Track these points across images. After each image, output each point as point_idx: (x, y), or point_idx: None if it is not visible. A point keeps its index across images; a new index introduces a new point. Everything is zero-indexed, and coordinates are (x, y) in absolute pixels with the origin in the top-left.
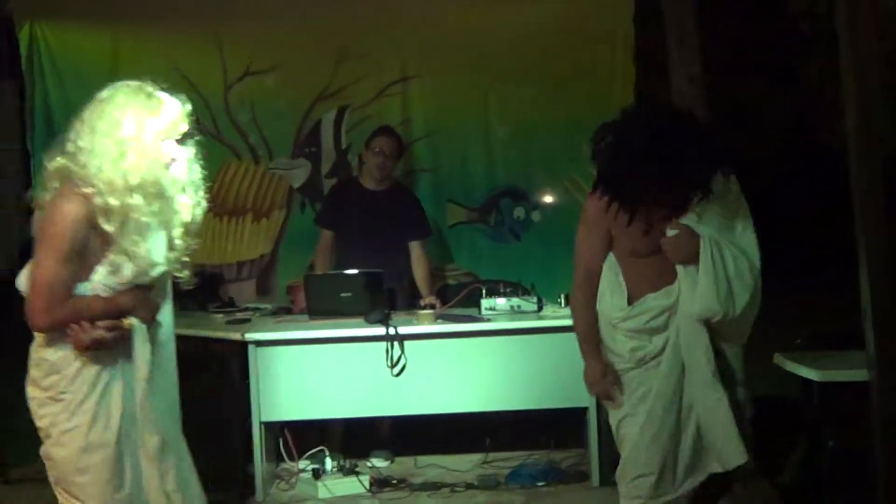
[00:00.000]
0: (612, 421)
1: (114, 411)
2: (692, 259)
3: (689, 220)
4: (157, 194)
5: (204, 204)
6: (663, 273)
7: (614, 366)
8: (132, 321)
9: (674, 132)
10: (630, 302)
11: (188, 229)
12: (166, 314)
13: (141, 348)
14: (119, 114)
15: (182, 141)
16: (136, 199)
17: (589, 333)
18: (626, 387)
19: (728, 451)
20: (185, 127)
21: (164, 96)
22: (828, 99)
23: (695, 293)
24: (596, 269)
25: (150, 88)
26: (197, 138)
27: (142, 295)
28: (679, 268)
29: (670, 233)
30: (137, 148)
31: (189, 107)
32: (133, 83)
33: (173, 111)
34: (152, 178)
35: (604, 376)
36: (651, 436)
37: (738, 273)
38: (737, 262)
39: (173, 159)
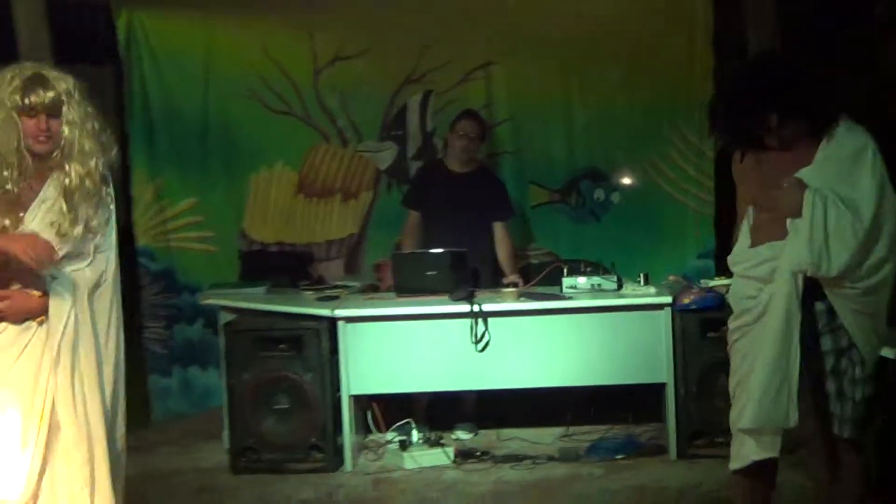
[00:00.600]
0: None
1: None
2: (798, 212)
3: (803, 173)
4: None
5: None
6: (780, 228)
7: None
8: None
9: (748, 76)
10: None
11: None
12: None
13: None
14: None
15: (28, 111)
16: None
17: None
18: (740, 336)
19: (749, 403)
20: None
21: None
22: None
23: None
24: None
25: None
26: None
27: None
28: (788, 222)
29: (785, 186)
30: None
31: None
32: None
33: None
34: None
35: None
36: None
37: (839, 230)
38: (840, 219)
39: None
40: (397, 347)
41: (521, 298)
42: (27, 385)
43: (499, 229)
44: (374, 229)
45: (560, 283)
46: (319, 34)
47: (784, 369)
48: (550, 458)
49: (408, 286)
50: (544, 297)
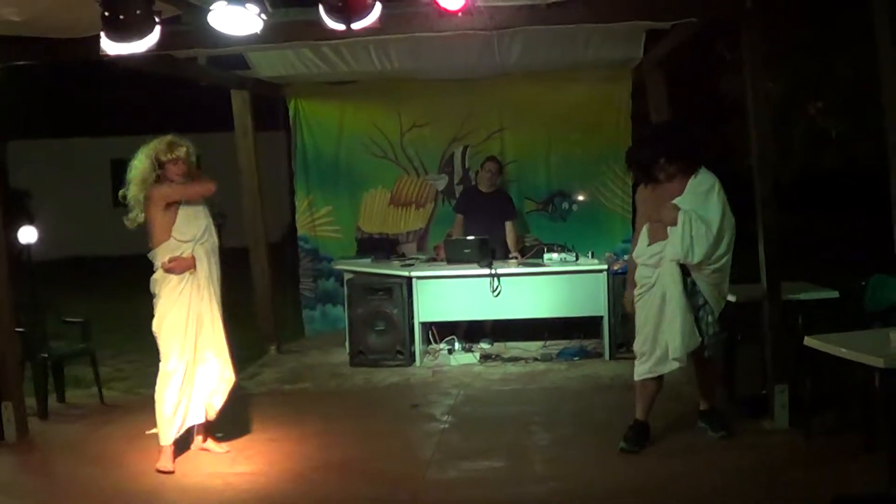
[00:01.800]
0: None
1: (184, 304)
2: (674, 223)
3: (678, 200)
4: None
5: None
6: (664, 233)
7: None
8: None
9: (649, 136)
10: (649, 244)
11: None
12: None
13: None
14: None
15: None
16: None
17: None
18: (640, 298)
19: (673, 344)
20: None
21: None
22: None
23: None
24: (639, 229)
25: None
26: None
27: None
28: (669, 230)
29: (666, 207)
30: None
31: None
32: None
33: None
34: None
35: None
36: (649, 327)
37: (698, 235)
38: (699, 229)
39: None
40: (447, 294)
41: (520, 266)
42: (187, 306)
43: (508, 226)
44: (434, 225)
45: (542, 257)
46: (404, 112)
47: (689, 314)
48: (535, 360)
49: (454, 258)
50: (533, 265)
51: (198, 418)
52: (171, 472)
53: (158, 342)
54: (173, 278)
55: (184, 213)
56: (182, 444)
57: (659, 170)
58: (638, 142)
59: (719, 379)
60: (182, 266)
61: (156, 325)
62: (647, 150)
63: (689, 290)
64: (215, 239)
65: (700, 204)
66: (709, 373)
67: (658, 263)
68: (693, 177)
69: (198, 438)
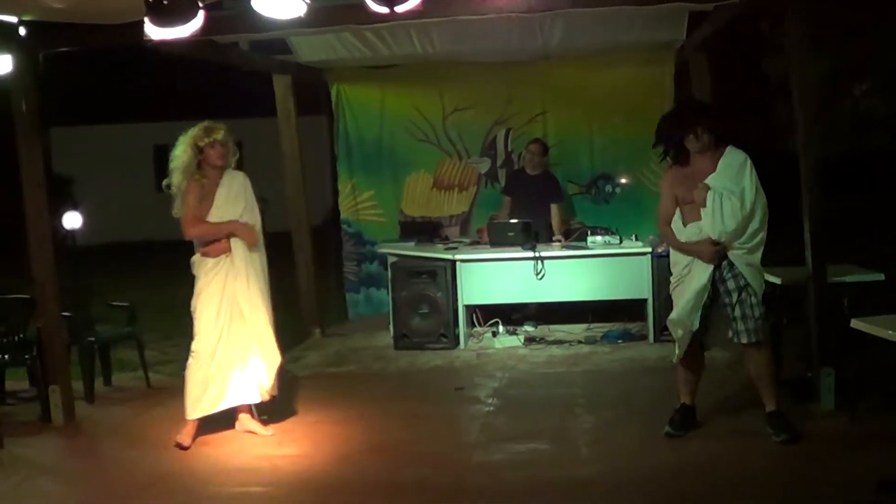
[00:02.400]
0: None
1: (218, 286)
2: (705, 203)
3: (709, 179)
4: None
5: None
6: (696, 213)
7: (672, 269)
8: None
9: (678, 112)
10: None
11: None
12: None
13: (240, 254)
14: None
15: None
16: None
17: (679, 242)
18: (678, 285)
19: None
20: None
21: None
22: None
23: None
24: (669, 215)
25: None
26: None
27: (241, 225)
28: (700, 210)
29: (698, 188)
30: None
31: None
32: None
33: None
34: None
35: (708, 246)
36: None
37: (732, 212)
38: (731, 207)
39: None
40: (491, 276)
41: (563, 248)
42: (221, 288)
43: (554, 208)
44: (477, 208)
45: (586, 240)
46: (447, 95)
47: (698, 300)
48: (579, 342)
49: (498, 241)
50: (577, 248)
51: (239, 400)
52: (186, 448)
53: (194, 321)
54: (209, 261)
55: (222, 196)
56: (227, 425)
57: (695, 139)
58: (672, 113)
59: (776, 370)
60: (217, 250)
61: (193, 304)
62: (686, 118)
63: (729, 272)
64: (257, 222)
65: (732, 180)
66: (762, 365)
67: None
68: (724, 154)
69: (242, 419)
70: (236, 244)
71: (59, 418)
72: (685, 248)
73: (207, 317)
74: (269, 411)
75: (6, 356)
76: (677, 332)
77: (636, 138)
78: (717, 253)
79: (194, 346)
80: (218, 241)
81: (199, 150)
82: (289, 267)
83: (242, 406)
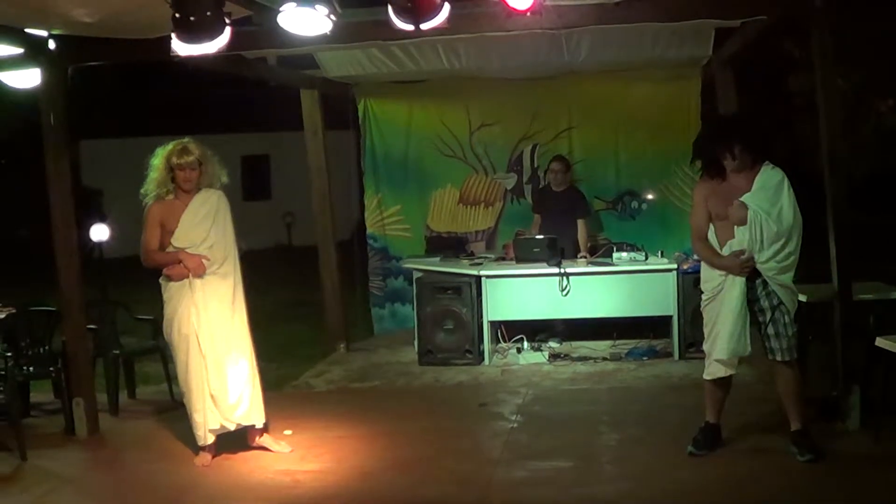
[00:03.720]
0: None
1: (186, 312)
2: (743, 222)
3: (746, 197)
4: None
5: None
6: (731, 232)
7: (703, 286)
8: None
9: (722, 123)
10: (720, 246)
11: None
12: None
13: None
14: None
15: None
16: None
17: (713, 255)
18: (709, 302)
19: (719, 345)
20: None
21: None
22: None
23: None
24: (703, 229)
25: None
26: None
27: (187, 256)
28: (736, 228)
29: (735, 206)
30: None
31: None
32: None
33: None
34: None
35: (735, 259)
36: (709, 328)
37: (768, 234)
38: (768, 227)
39: None
40: (516, 293)
41: (590, 265)
42: (188, 313)
43: (581, 224)
44: (503, 224)
45: (611, 256)
46: (473, 110)
47: (742, 321)
48: (604, 359)
49: (523, 257)
50: (602, 264)
51: (245, 420)
52: (207, 465)
53: (173, 352)
54: (173, 284)
55: (186, 220)
56: (244, 442)
57: (731, 159)
58: (709, 130)
59: (804, 389)
60: (178, 274)
61: (166, 332)
62: (723, 135)
63: (762, 290)
64: (228, 244)
65: (769, 200)
66: (791, 382)
67: None
68: (760, 172)
69: (255, 436)
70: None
71: (84, 431)
72: (716, 264)
73: (181, 343)
74: (294, 426)
75: (31, 368)
76: (730, 366)
77: (662, 154)
78: (744, 264)
79: (182, 384)
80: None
81: (170, 168)
82: (315, 281)
83: (252, 427)
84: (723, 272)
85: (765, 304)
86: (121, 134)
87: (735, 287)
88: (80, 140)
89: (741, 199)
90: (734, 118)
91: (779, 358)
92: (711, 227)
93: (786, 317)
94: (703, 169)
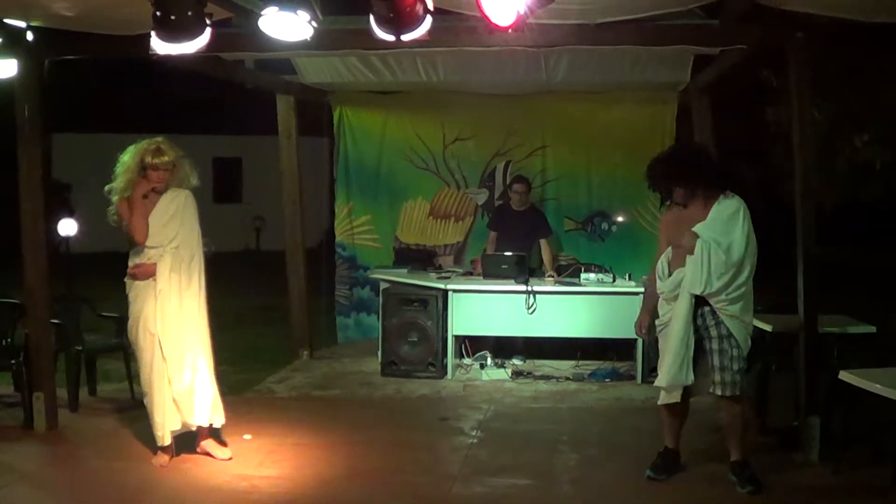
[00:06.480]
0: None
1: (150, 312)
2: (693, 252)
3: (698, 227)
4: None
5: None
6: (683, 259)
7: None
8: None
9: (667, 157)
10: (669, 273)
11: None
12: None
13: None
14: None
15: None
16: None
17: (650, 292)
18: (662, 330)
19: (661, 371)
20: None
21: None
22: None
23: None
24: (659, 254)
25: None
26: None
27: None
28: (688, 257)
29: (687, 235)
30: None
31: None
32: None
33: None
34: None
35: (645, 315)
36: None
37: (717, 265)
38: (717, 259)
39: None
40: (482, 308)
41: (556, 284)
42: (152, 313)
43: (543, 243)
44: (472, 239)
45: (579, 276)
46: (448, 124)
47: (685, 350)
48: (567, 379)
49: (491, 273)
50: (569, 284)
51: (201, 420)
52: (165, 466)
53: (135, 351)
54: (139, 283)
55: (153, 222)
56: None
57: (675, 194)
58: (657, 161)
59: (751, 424)
60: (144, 273)
61: (131, 332)
62: (661, 174)
63: (712, 319)
64: (193, 244)
65: (722, 230)
66: (735, 416)
67: (675, 297)
68: (717, 201)
69: (200, 440)
70: (166, 267)
71: (42, 425)
72: (645, 302)
73: (150, 349)
74: (252, 431)
75: None
76: (671, 394)
77: (635, 177)
78: (641, 328)
79: (144, 385)
80: (144, 264)
81: (143, 166)
82: (281, 287)
83: (202, 428)
84: (674, 300)
85: (713, 333)
86: (91, 129)
87: (680, 317)
88: (53, 133)
89: (693, 228)
90: (680, 152)
91: (718, 392)
92: (664, 256)
93: (734, 350)
94: (661, 198)
